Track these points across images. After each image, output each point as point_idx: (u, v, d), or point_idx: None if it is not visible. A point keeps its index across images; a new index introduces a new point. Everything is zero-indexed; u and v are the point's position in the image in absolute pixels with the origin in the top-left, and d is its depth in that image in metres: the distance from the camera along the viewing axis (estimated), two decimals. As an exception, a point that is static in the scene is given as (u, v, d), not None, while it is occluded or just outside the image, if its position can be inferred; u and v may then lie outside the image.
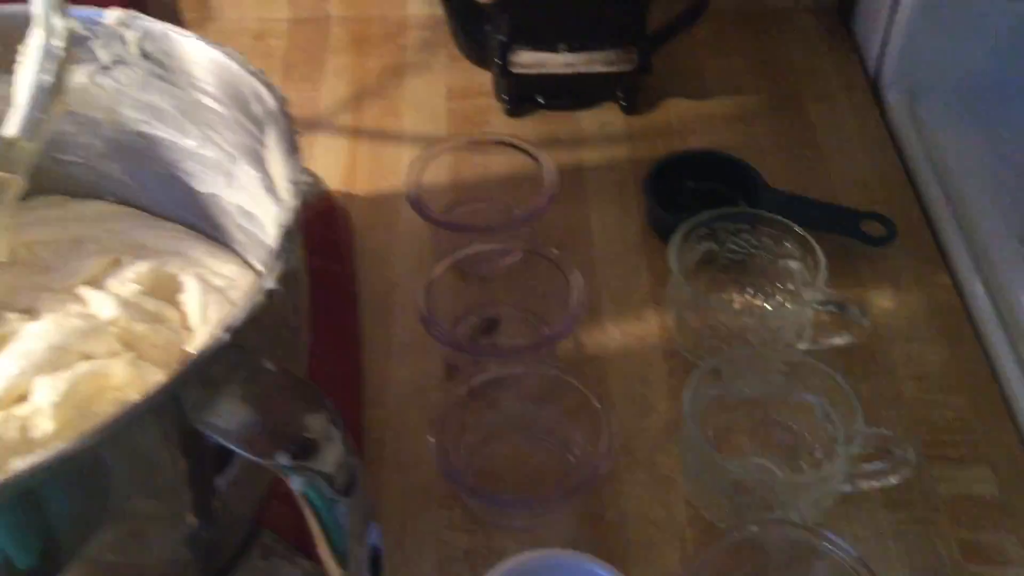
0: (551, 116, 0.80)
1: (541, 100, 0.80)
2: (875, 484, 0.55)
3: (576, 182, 0.75)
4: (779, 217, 0.63)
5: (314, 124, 0.79)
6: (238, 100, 0.43)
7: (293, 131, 0.40)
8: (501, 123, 0.79)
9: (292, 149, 0.39)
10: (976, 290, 0.68)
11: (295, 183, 0.37)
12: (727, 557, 0.51)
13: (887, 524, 0.56)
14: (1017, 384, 0.62)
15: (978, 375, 0.63)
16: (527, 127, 0.79)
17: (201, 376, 0.33)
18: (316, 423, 0.35)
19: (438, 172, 0.71)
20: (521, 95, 0.79)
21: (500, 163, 0.72)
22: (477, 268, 0.67)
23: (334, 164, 0.76)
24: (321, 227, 0.69)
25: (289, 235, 0.36)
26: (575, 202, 0.73)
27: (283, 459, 0.34)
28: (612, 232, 0.72)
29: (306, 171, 0.38)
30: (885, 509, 0.57)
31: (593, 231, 0.72)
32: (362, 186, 0.75)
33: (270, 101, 0.41)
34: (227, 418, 0.34)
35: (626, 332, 0.66)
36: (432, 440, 0.55)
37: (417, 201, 0.66)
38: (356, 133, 0.78)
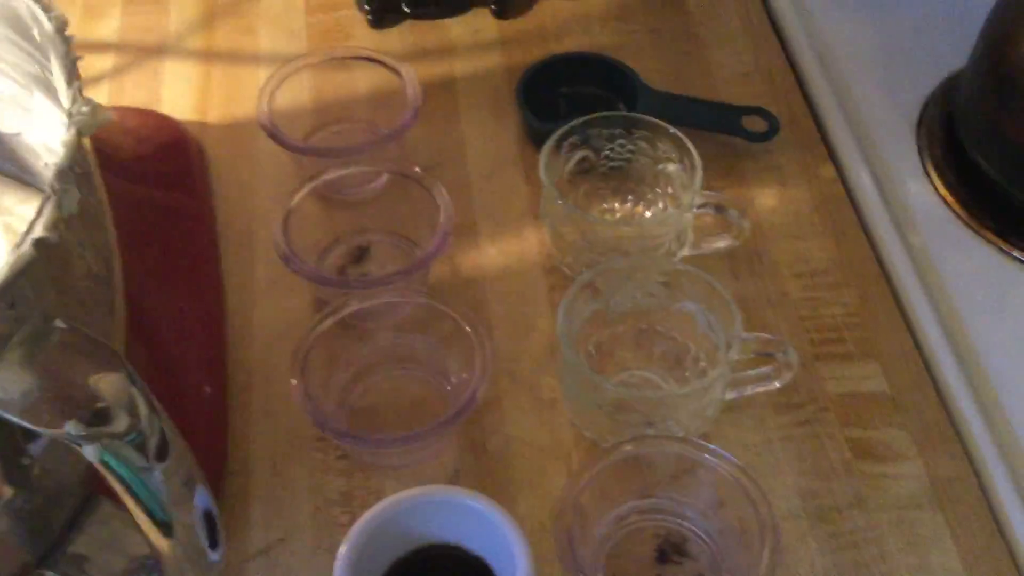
0: (419, 26, 0.75)
1: (407, 9, 0.75)
2: (759, 389, 0.53)
3: (448, 95, 0.71)
4: (652, 119, 0.60)
5: (161, 50, 0.73)
6: (19, 25, 0.38)
7: (72, 57, 0.35)
8: (365, 36, 0.74)
9: (71, 77, 0.34)
10: (863, 180, 0.66)
11: (71, 114, 0.33)
12: (611, 476, 0.49)
13: (775, 428, 0.55)
14: (906, 276, 0.61)
15: (866, 270, 0.61)
16: (393, 39, 0.74)
17: (-37, 341, 0.29)
18: (111, 385, 0.31)
19: (297, 94, 0.66)
20: (385, 5, 0.74)
21: (362, 80, 0.67)
22: (342, 194, 0.63)
23: (185, 92, 0.71)
24: (170, 160, 0.64)
25: (62, 174, 0.32)
26: (447, 117, 0.69)
27: (73, 428, 0.30)
28: (487, 147, 0.68)
29: (87, 100, 0.34)
30: (774, 413, 0.55)
31: (467, 147, 0.68)
32: (217, 114, 0.70)
33: (47, 24, 0.36)
34: (5, 387, 0.30)
35: (504, 251, 0.63)
36: (294, 382, 0.51)
37: (271, 126, 0.62)
38: (208, 57, 0.73)
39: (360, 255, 0.63)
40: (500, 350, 0.58)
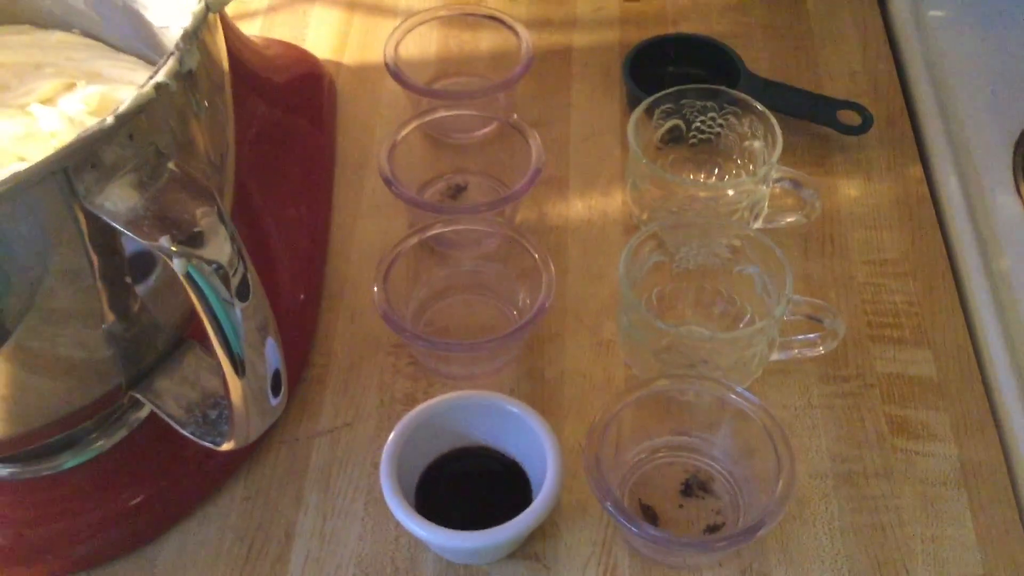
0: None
1: (537, -19, 0.80)
2: (805, 353, 0.56)
3: (562, 62, 0.75)
4: (742, 95, 0.63)
5: (312, -5, 0.81)
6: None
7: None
8: (496, 1, 0.80)
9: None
10: (950, 186, 0.67)
11: (204, -10, 0.39)
12: (651, 408, 0.53)
13: (817, 396, 0.57)
14: (976, 277, 0.62)
15: (935, 266, 0.63)
16: (521, 7, 0.79)
17: (89, 157, 0.35)
18: (205, 217, 0.37)
19: (424, 43, 0.72)
20: (518, -25, 0.80)
21: (485, 38, 0.73)
22: (449, 137, 0.69)
23: (327, 34, 0.78)
24: (304, 90, 0.71)
25: (188, 37, 0.38)
26: (558, 81, 0.74)
27: (167, 242, 0.36)
28: (590, 112, 0.72)
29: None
30: (818, 382, 0.58)
31: (572, 110, 0.73)
32: (352, 56, 0.76)
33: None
34: (116, 201, 0.36)
35: (590, 206, 0.67)
36: (376, 288, 0.57)
37: (395, 67, 0.68)
38: (352, 5, 0.80)
39: (456, 192, 0.68)
40: (570, 292, 0.62)
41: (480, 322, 0.61)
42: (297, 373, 0.59)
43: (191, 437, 0.46)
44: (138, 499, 0.53)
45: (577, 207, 0.67)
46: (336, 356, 0.60)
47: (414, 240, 0.60)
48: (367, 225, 0.67)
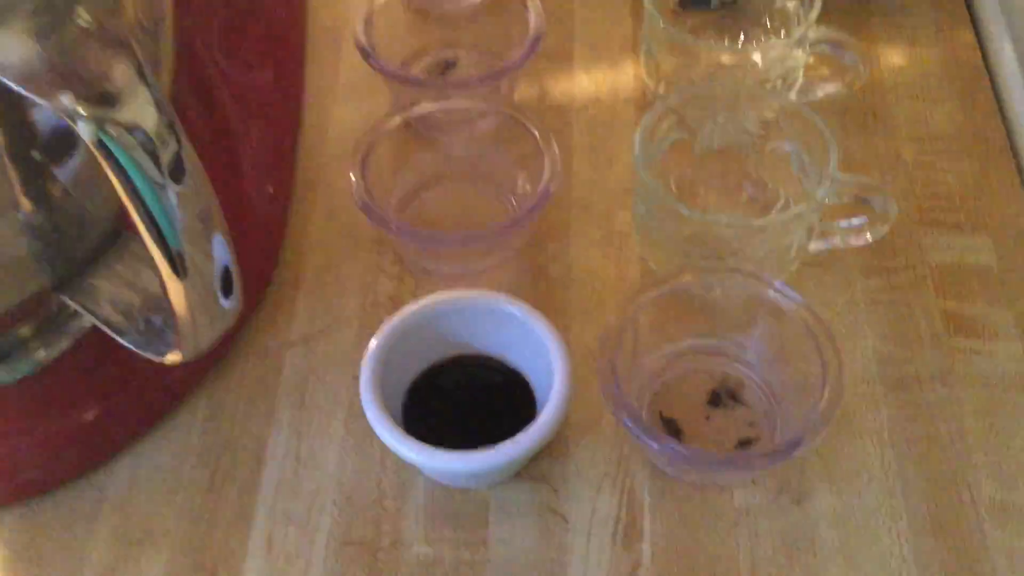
0: None
1: None
2: (849, 242, 0.49)
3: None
4: (774, -56, 0.54)
5: None
6: None
7: None
8: None
9: None
10: (1005, 52, 0.59)
11: None
12: (672, 307, 0.46)
13: (862, 291, 0.50)
14: (1037, 153, 0.55)
15: (992, 142, 0.55)
16: None
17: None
18: (121, 75, 0.29)
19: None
20: None
21: None
22: (438, 5, 0.60)
23: None
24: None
25: None
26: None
27: (68, 101, 0.28)
28: (596, -25, 0.64)
29: None
30: (862, 275, 0.50)
31: (575, -27, 0.64)
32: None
33: None
34: (7, 51, 0.28)
35: (597, 81, 0.59)
36: (353, 176, 0.49)
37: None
38: None
39: (445, 69, 0.60)
40: (576, 180, 0.55)
41: (474, 214, 0.54)
42: (266, 275, 0.51)
43: (131, 347, 0.39)
44: (85, 417, 0.46)
45: (583, 83, 0.59)
46: (311, 255, 0.53)
47: (397, 120, 0.52)
48: (344, 107, 0.59)
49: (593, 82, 0.59)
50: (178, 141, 0.32)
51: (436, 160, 0.54)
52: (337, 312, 0.50)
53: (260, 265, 0.51)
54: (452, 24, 0.60)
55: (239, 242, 0.49)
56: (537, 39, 0.53)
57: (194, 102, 0.54)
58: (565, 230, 0.53)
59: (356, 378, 0.45)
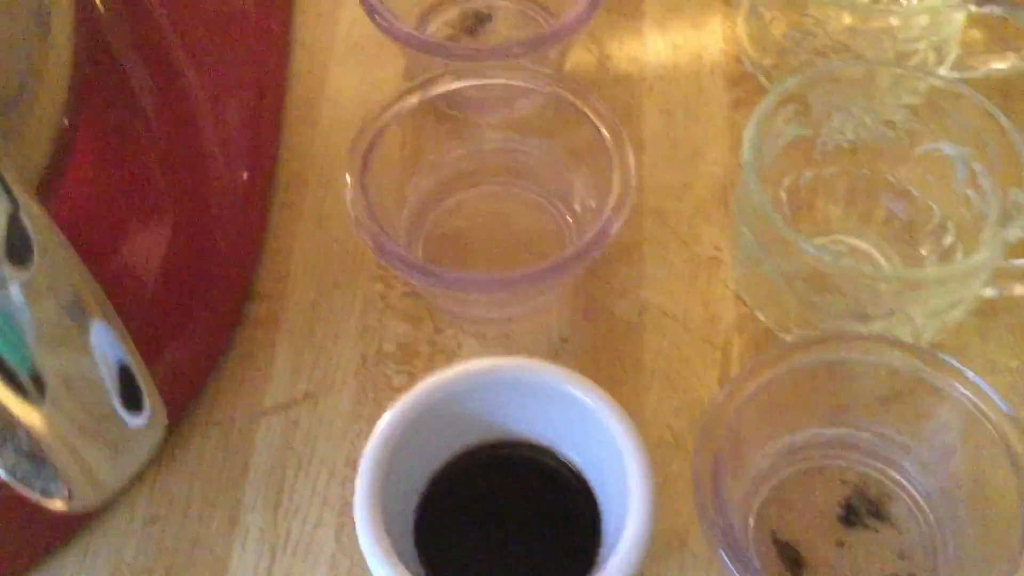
0: None
1: None
2: (1038, 290, 0.35)
3: None
4: None
5: None
6: None
7: None
8: None
9: None
10: None
11: None
12: (789, 384, 0.33)
13: (1045, 351, 0.37)
14: None
15: None
16: None
17: None
18: None
19: None
20: None
21: None
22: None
23: None
24: None
25: None
26: None
27: None
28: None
29: None
30: (1045, 328, 0.37)
31: None
32: None
33: None
34: None
35: (675, 43, 0.45)
36: (349, 179, 0.36)
37: None
38: None
39: (476, 24, 0.46)
40: (649, 179, 0.41)
41: (516, 227, 0.40)
42: (233, 311, 0.38)
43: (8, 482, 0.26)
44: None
45: (656, 45, 0.45)
46: (295, 281, 0.39)
47: (412, 100, 0.38)
48: (342, 75, 0.45)
49: (669, 45, 0.45)
50: (11, 199, 0.19)
51: (464, 151, 0.41)
52: (329, 366, 0.37)
53: (225, 297, 0.38)
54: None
55: (196, 261, 0.37)
56: (596, 3, 0.39)
57: (138, 60, 0.40)
58: (635, 253, 0.40)
59: (353, 463, 0.33)
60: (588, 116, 0.37)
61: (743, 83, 0.43)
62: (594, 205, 0.37)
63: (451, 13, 0.46)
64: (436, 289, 0.36)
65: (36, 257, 0.19)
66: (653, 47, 0.45)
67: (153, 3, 0.41)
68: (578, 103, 0.37)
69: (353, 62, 0.45)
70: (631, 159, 0.35)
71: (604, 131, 0.37)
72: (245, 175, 0.41)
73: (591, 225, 0.35)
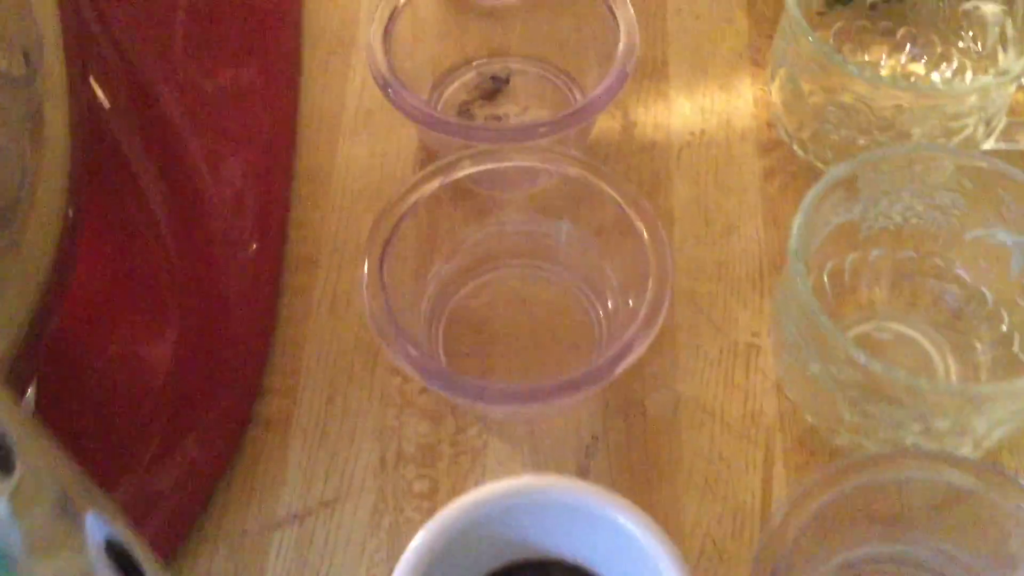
0: None
1: None
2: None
3: None
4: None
5: None
6: None
7: None
8: None
9: None
10: None
11: None
12: (845, 502, 0.30)
13: (1108, 449, 0.34)
14: None
15: None
16: None
17: None
18: None
19: None
20: None
21: None
22: (481, -2, 0.44)
23: None
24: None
25: None
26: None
27: None
28: (696, -50, 0.47)
29: None
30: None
31: (667, -52, 0.47)
32: None
33: None
34: None
35: (704, 108, 0.43)
36: (365, 269, 0.33)
37: None
38: None
39: (495, 89, 0.43)
40: (680, 257, 0.39)
41: (542, 316, 0.38)
42: (243, 411, 0.36)
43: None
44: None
45: (683, 109, 0.43)
46: (307, 375, 0.37)
47: (433, 185, 0.36)
48: (352, 148, 0.43)
49: (698, 110, 0.42)
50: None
51: (484, 234, 0.38)
52: (345, 469, 0.35)
53: (234, 395, 0.36)
54: (503, 20, 0.44)
55: (205, 357, 0.34)
56: (625, 72, 0.37)
57: (142, 151, 0.38)
58: (667, 341, 0.37)
59: (373, 582, 0.30)
60: (615, 199, 0.35)
61: (775, 150, 0.41)
62: (629, 298, 0.34)
63: (469, 75, 0.43)
64: (453, 396, 0.34)
65: (20, 462, 0.17)
66: (680, 111, 0.43)
67: (161, 90, 0.39)
68: (602, 184, 0.35)
69: (363, 135, 0.43)
70: (668, 254, 0.33)
71: (635, 217, 0.34)
72: (254, 259, 0.39)
73: (626, 320, 0.33)
